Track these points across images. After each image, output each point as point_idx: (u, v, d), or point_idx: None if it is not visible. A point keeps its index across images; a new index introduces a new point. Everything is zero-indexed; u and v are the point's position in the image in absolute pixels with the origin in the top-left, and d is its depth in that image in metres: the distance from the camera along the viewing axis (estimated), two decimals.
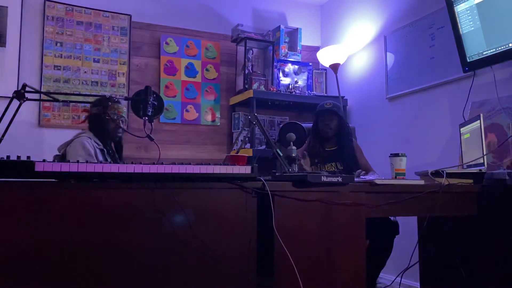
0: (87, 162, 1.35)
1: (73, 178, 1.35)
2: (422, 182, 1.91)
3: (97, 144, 2.36)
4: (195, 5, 3.76)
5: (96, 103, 2.43)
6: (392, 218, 2.53)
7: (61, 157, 2.35)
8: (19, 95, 1.57)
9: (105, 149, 2.40)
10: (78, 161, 1.34)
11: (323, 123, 2.73)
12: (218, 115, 3.75)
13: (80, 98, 3.07)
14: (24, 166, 1.27)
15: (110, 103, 2.39)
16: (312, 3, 4.24)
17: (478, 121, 2.03)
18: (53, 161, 1.32)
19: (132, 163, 1.39)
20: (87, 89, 3.34)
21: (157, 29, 3.60)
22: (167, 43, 3.61)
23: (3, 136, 1.50)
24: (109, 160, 2.41)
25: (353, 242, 1.66)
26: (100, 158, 2.34)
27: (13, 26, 3.13)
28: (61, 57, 3.28)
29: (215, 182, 1.50)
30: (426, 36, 3.00)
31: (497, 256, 1.85)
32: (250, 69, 3.69)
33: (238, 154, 2.59)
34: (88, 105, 2.54)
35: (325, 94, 3.98)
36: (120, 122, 2.43)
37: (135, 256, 1.39)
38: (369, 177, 2.22)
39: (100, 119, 2.40)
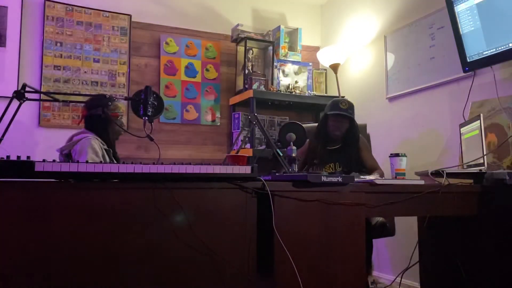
0: (87, 162, 1.35)
1: (73, 178, 1.35)
2: (422, 182, 1.91)
3: (102, 144, 2.34)
4: (195, 5, 3.76)
5: (95, 103, 2.37)
6: (379, 218, 2.47)
7: (66, 157, 2.30)
8: (19, 95, 1.57)
9: (111, 150, 2.39)
10: (78, 162, 1.34)
11: (335, 126, 2.63)
12: (218, 115, 3.75)
13: (80, 98, 3.07)
14: (24, 166, 1.27)
15: (110, 103, 2.38)
16: (312, 3, 4.24)
17: (478, 121, 2.03)
18: (65, 160, 1.32)
19: (132, 163, 1.39)
20: (87, 89, 3.34)
21: (157, 29, 3.60)
22: (167, 43, 3.62)
23: (3, 136, 1.50)
24: (114, 161, 2.41)
25: (353, 242, 1.66)
26: (107, 159, 2.32)
27: (13, 26, 3.13)
28: (61, 57, 3.28)
29: (215, 182, 1.51)
30: (426, 36, 3.00)
31: (497, 256, 1.85)
32: (250, 69, 3.69)
33: (238, 154, 2.60)
34: (83, 105, 2.48)
35: (325, 94, 3.98)
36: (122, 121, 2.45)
37: (135, 256, 1.39)
38: (369, 177, 2.22)
39: (103, 120, 2.36)
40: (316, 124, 2.89)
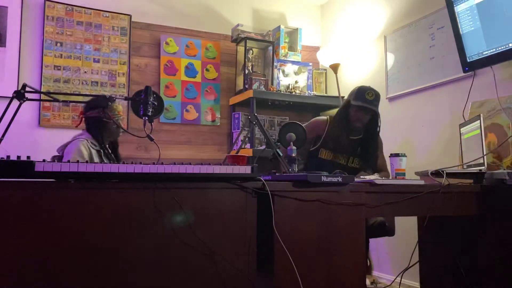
0: (87, 162, 1.35)
1: (73, 178, 1.35)
2: (422, 182, 1.91)
3: (94, 145, 2.37)
4: (195, 5, 3.76)
5: (94, 105, 2.40)
6: (378, 218, 2.44)
7: (60, 158, 2.37)
8: (19, 95, 1.57)
9: (102, 150, 2.40)
10: (78, 161, 1.34)
11: (356, 117, 2.50)
12: (218, 115, 3.75)
13: (80, 98, 3.07)
14: (24, 166, 1.27)
15: (109, 104, 2.38)
16: (312, 3, 4.24)
17: (478, 121, 2.03)
18: (53, 161, 1.32)
19: (132, 163, 1.39)
20: (87, 89, 3.34)
21: (157, 29, 3.60)
22: (167, 43, 3.61)
23: (3, 136, 1.50)
24: (105, 161, 2.41)
25: (353, 242, 1.66)
26: (96, 160, 2.34)
27: (13, 26, 3.13)
28: (61, 57, 3.28)
29: (215, 182, 1.50)
30: (426, 36, 3.00)
31: (497, 256, 1.85)
32: (250, 69, 3.69)
33: (238, 154, 2.59)
34: (82, 106, 2.51)
35: (325, 94, 3.98)
36: (120, 122, 2.44)
37: (135, 256, 1.39)
38: (369, 177, 2.22)
39: (101, 121, 2.39)
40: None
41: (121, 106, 2.50)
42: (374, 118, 2.53)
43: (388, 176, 2.54)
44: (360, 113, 2.49)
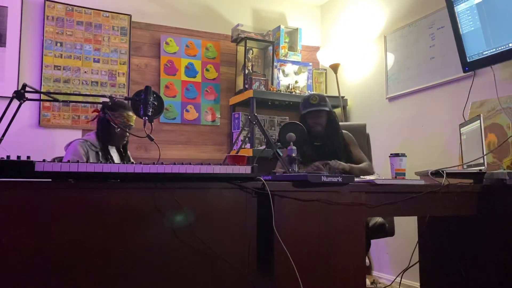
0: (87, 162, 1.35)
1: (73, 178, 1.35)
2: (422, 182, 1.91)
3: (94, 146, 2.37)
4: (195, 5, 3.77)
5: (107, 107, 2.39)
6: (378, 219, 2.45)
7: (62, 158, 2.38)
8: (19, 95, 1.57)
9: (100, 152, 2.39)
10: (78, 161, 1.34)
11: (313, 122, 2.58)
12: (218, 115, 3.75)
13: (80, 98, 3.07)
14: (24, 166, 1.27)
15: (120, 110, 2.37)
16: (312, 3, 4.24)
17: (478, 121, 2.03)
18: (53, 161, 1.32)
19: (132, 163, 1.39)
20: (87, 89, 3.34)
21: (157, 29, 3.60)
22: (167, 43, 3.61)
23: (3, 136, 1.50)
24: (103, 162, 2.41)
25: (353, 242, 1.66)
26: (92, 161, 2.34)
27: (13, 26, 3.13)
28: (61, 57, 3.28)
29: (215, 182, 1.50)
30: (426, 36, 3.00)
31: (497, 256, 1.85)
32: (250, 69, 3.69)
33: (238, 154, 2.59)
34: (99, 106, 2.52)
35: (325, 94, 3.97)
36: (127, 130, 2.40)
37: (135, 256, 1.39)
38: (369, 177, 2.21)
39: (107, 125, 2.39)
40: None
41: (134, 116, 2.42)
42: (330, 117, 2.62)
43: (370, 165, 2.55)
44: (314, 119, 2.58)
